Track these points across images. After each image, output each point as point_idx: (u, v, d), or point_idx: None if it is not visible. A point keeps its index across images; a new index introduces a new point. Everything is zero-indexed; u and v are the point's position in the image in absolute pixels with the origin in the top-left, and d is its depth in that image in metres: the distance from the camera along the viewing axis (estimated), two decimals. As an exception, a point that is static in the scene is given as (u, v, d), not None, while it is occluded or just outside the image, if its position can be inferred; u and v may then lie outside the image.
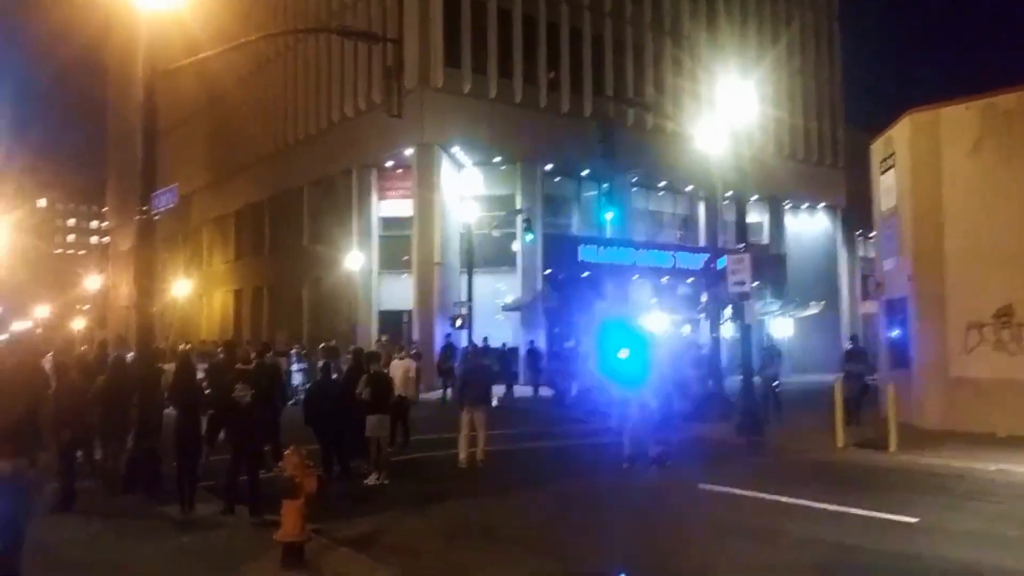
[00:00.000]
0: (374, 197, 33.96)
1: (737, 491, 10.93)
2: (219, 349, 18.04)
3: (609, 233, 34.91)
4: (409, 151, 31.42)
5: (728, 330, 25.38)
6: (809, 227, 44.93)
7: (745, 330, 17.32)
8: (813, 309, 36.97)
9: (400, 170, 33.17)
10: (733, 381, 19.24)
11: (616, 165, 28.19)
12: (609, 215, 33.97)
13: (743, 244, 17.73)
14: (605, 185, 34.87)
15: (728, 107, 18.17)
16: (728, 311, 20.70)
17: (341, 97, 35.00)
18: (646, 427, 12.70)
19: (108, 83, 64.16)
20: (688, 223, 40.19)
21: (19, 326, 60.59)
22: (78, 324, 47.61)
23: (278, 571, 7.47)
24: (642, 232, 37.22)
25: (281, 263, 40.47)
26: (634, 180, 35.97)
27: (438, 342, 28.37)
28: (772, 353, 19.81)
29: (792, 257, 41.68)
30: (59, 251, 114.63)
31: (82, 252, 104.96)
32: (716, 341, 21.44)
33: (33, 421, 6.38)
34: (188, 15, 13.47)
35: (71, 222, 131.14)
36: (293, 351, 24.76)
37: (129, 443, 10.95)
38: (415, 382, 17.28)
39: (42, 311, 60.36)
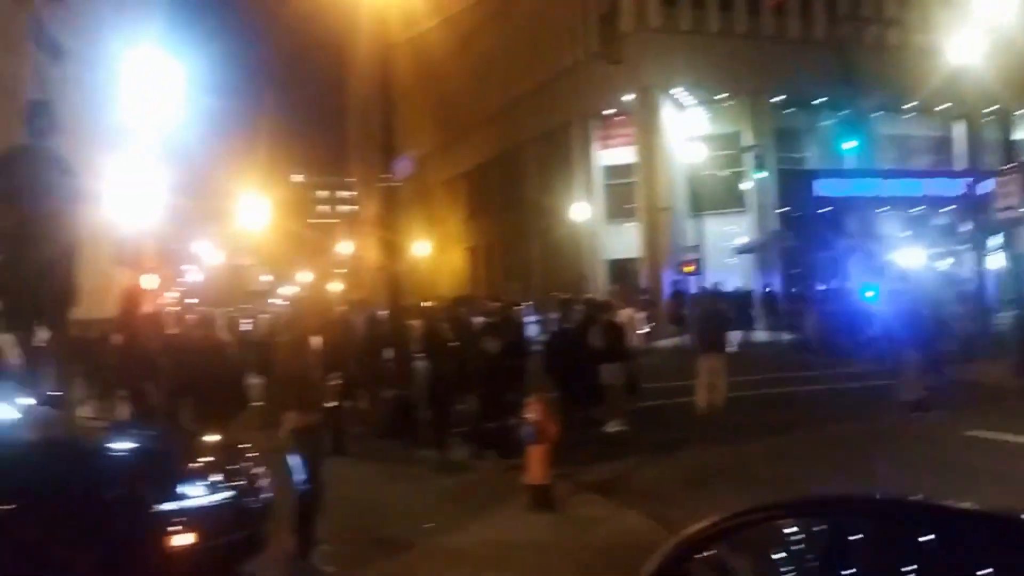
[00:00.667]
0: (596, 147, 33.90)
1: (1010, 437, 9.83)
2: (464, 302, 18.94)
3: (850, 164, 32.36)
4: (629, 97, 30.92)
5: (996, 261, 22.77)
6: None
7: (1017, 260, 15.44)
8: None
9: (621, 117, 32.79)
10: (1005, 317, 17.29)
11: (855, 89, 26.00)
12: (850, 144, 31.40)
13: (1012, 164, 15.72)
14: (843, 113, 32.23)
15: (986, 9, 16.04)
16: (996, 240, 18.55)
17: (558, 50, 35.06)
18: (909, 369, 11.70)
19: (342, 61, 68.80)
20: (941, 146, 36.29)
21: (285, 291, 67.67)
22: (335, 287, 52.20)
23: (526, 513, 7.78)
24: (888, 160, 34.14)
25: (510, 219, 41.68)
26: (877, 104, 32.89)
27: (668, 289, 28.03)
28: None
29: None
30: (314, 221, 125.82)
31: (335, 220, 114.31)
32: (982, 274, 19.34)
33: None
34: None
35: (322, 193, 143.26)
36: (526, 304, 25.49)
37: (387, 393, 11.87)
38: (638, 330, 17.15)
39: (303, 277, 66.93)
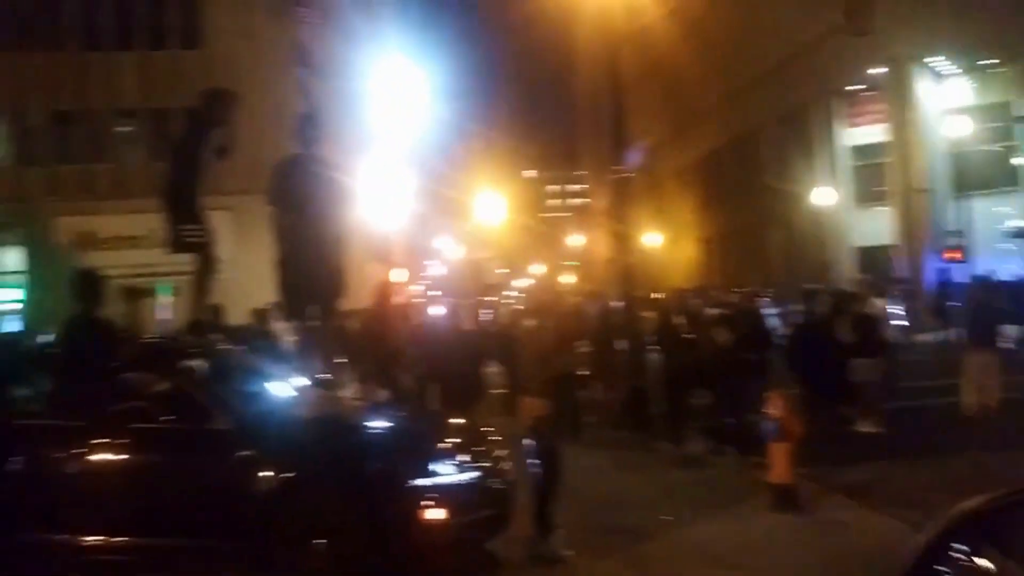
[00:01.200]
0: (842, 126, 31.73)
1: None
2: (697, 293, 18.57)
3: None
4: (879, 70, 28.56)
5: None
6: None
7: None
8: None
9: (869, 93, 30.41)
10: None
11: None
12: None
13: None
14: None
15: None
16: None
17: (794, 26, 33.11)
18: None
19: (570, 55, 69.73)
20: None
21: (521, 283, 70.04)
22: (567, 279, 53.29)
23: (770, 513, 7.47)
24: None
25: (746, 206, 40.15)
26: None
27: (929, 278, 25.66)
28: None
29: None
30: (546, 215, 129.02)
31: (565, 215, 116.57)
32: None
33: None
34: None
35: (552, 188, 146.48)
36: (766, 295, 24.47)
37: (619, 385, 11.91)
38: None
39: (536, 270, 68.90)
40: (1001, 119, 27.86)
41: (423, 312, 13.94)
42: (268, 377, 7.37)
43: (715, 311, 13.71)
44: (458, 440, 6.70)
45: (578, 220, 79.45)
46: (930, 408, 12.32)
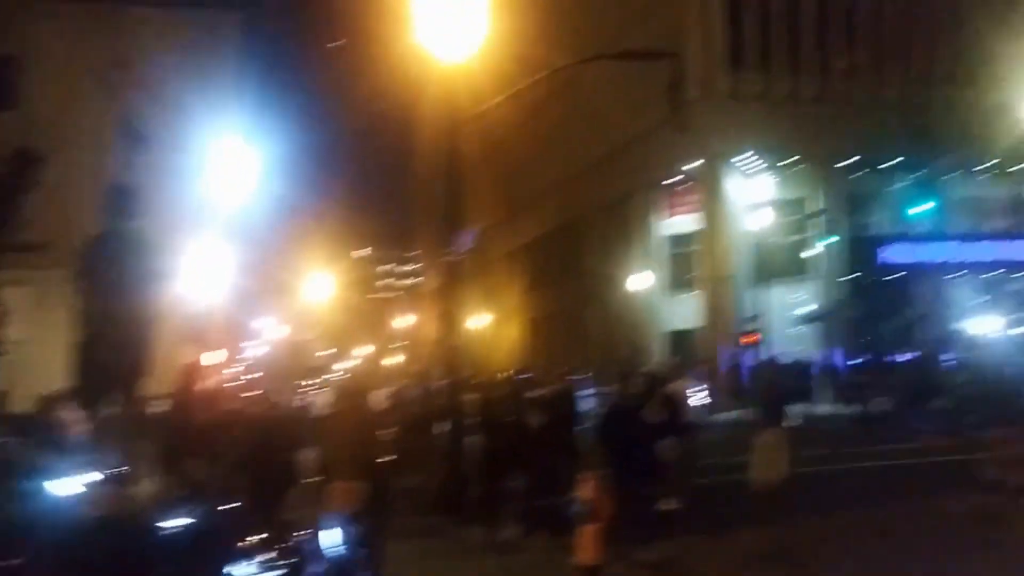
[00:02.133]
0: (660, 215, 33.95)
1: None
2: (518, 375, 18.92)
3: (920, 228, 31.62)
4: (694, 164, 30.98)
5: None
6: None
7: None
8: None
9: (686, 185, 32.82)
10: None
11: (927, 152, 25.56)
12: (921, 208, 30.69)
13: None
14: (914, 176, 31.61)
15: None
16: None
17: (622, 121, 35.50)
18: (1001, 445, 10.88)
19: (409, 137, 70.92)
20: (1019, 208, 35.19)
21: (344, 365, 68.61)
22: (394, 360, 52.83)
23: (578, 595, 7.59)
24: (961, 224, 33.25)
25: (570, 291, 41.75)
26: (949, 166, 32.19)
27: (729, 361, 27.51)
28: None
29: None
30: (375, 296, 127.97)
31: (395, 295, 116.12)
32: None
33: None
34: (474, 63, 14.50)
35: (384, 268, 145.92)
36: (583, 376, 25.31)
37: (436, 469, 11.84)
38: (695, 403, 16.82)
39: (361, 351, 67.95)
40: (797, 213, 30.82)
41: (236, 396, 13.36)
42: (49, 473, 6.79)
43: (534, 393, 14.05)
44: (262, 536, 6.43)
45: (408, 301, 79.47)
46: (727, 484, 13.08)
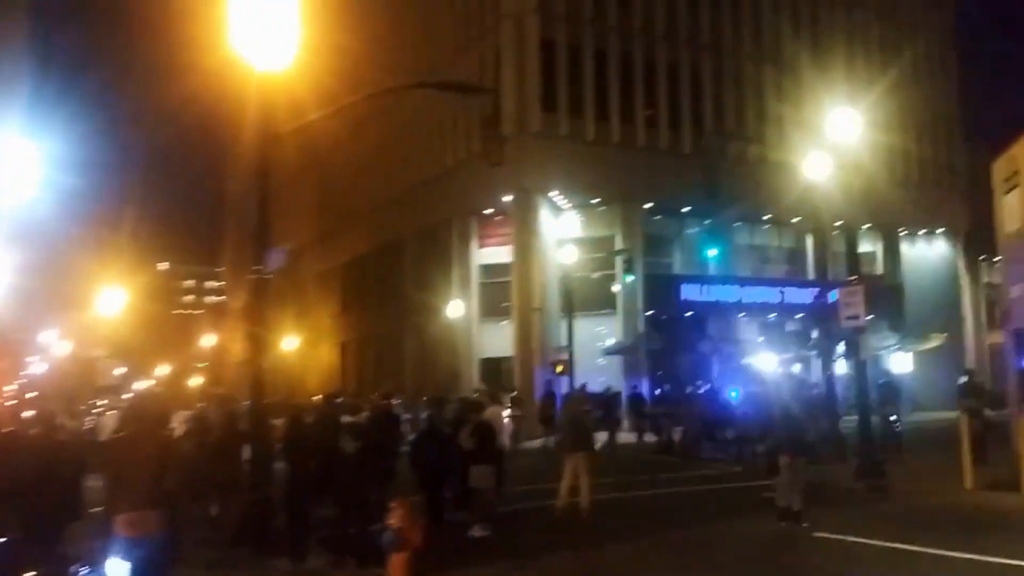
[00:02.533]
0: (474, 245, 34.40)
1: (855, 539, 10.30)
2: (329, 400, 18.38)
3: (712, 271, 34.20)
4: (508, 197, 31.77)
5: (842, 367, 24.26)
6: (927, 255, 42.73)
7: (860, 367, 16.45)
8: (934, 342, 35.00)
9: (499, 217, 33.56)
10: (849, 421, 18.29)
11: (718, 200, 27.60)
12: (712, 252, 33.31)
13: (855, 276, 16.96)
14: (707, 221, 34.27)
15: (835, 134, 17.57)
16: (841, 347, 19.78)
17: (441, 149, 35.85)
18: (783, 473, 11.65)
19: (223, 148, 67.94)
20: (795, 257, 38.93)
21: (140, 385, 64.05)
22: (196, 381, 49.86)
23: (385, 626, 7.42)
24: (747, 268, 36.29)
25: (385, 314, 41.36)
26: (737, 215, 35.16)
27: (539, 389, 28.23)
28: (890, 390, 18.78)
29: (910, 287, 39.64)
30: (178, 312, 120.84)
31: (199, 312, 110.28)
32: (830, 379, 20.50)
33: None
34: (293, 79, 14.05)
35: (189, 283, 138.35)
36: (397, 401, 25.08)
37: (241, 497, 11.21)
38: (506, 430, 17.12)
39: (162, 370, 63.70)
40: (604, 251, 32.31)
41: (11, 419, 12.01)
42: None
43: (346, 418, 13.68)
44: (35, 573, 5.79)
45: (213, 319, 75.53)
46: (536, 510, 13.38)
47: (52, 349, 42.96)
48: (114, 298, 29.59)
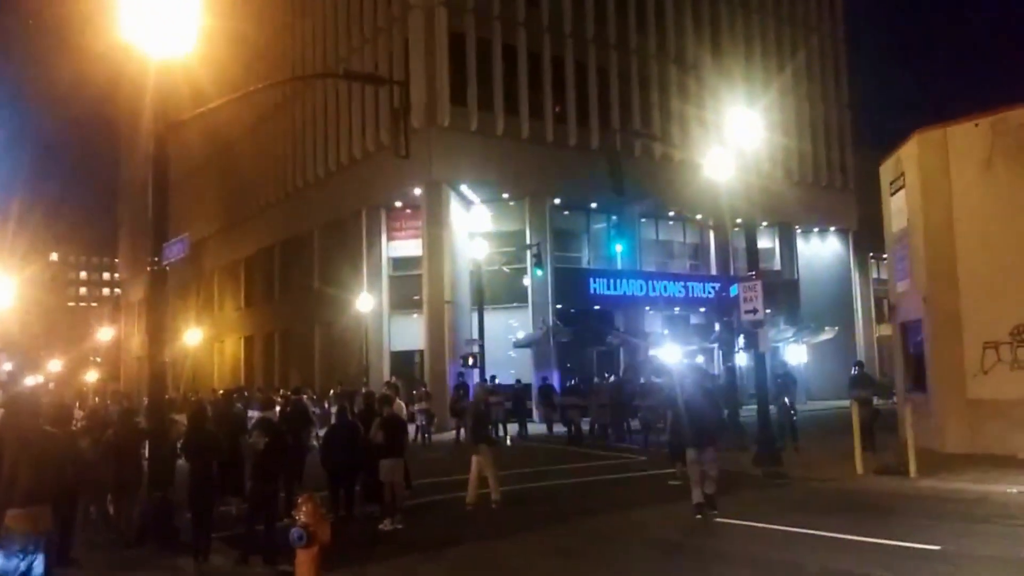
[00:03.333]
0: (384, 238, 34.09)
1: (755, 523, 10.75)
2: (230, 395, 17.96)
3: (620, 265, 34.90)
4: (418, 190, 31.60)
5: (742, 358, 25.17)
6: (821, 251, 44.77)
7: (759, 358, 17.14)
8: (828, 334, 36.70)
9: (409, 210, 33.35)
10: (748, 410, 19.02)
11: (625, 197, 28.06)
12: (619, 247, 34.00)
13: (754, 271, 17.62)
14: (614, 217, 34.97)
15: (735, 134, 18.21)
16: (742, 340, 20.53)
17: (349, 140, 35.34)
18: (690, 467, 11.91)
19: (119, 136, 65.10)
20: (699, 252, 40.10)
21: (31, 381, 60.88)
22: (91, 376, 47.73)
23: (293, 622, 7.33)
24: (653, 263, 37.16)
25: (292, 307, 40.58)
26: (643, 211, 36.02)
27: (451, 381, 28.25)
28: (787, 380, 19.60)
29: (805, 282, 41.47)
30: (72, 304, 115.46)
31: (94, 304, 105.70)
32: (730, 370, 21.25)
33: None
34: (195, 67, 13.64)
35: (83, 275, 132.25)
36: (304, 395, 24.69)
37: (141, 495, 10.87)
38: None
39: (55, 365, 60.70)
40: (514, 245, 32.53)
41: None
42: None
43: (252, 413, 13.45)
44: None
45: (111, 312, 72.40)
46: (446, 502, 13.43)
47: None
48: (1, 289, 28.04)
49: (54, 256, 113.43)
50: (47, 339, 67.61)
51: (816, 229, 44.45)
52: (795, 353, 36.98)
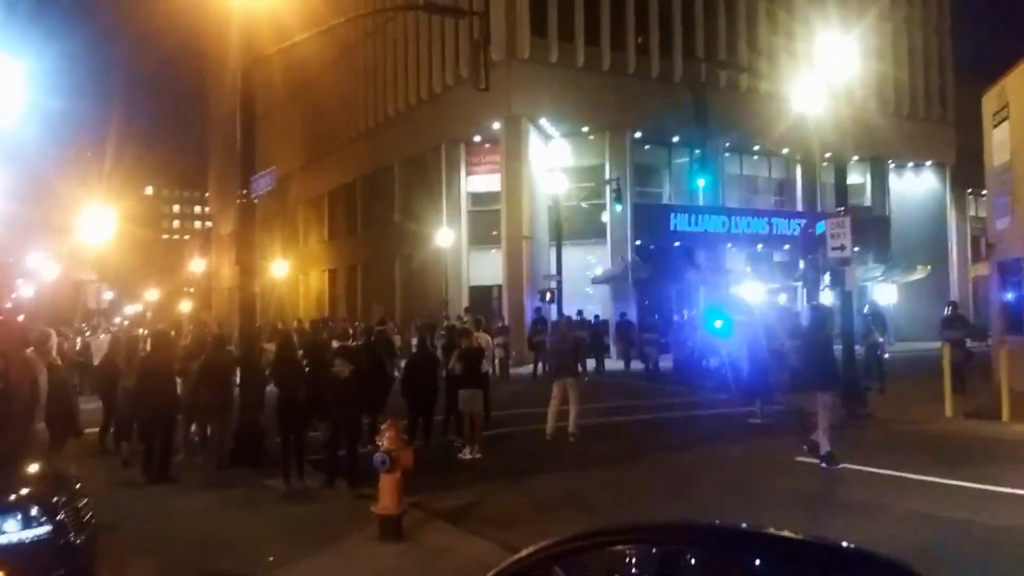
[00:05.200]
0: (463, 172, 34.12)
1: (839, 464, 10.56)
2: (317, 325, 18.54)
3: (701, 200, 34.14)
4: (496, 125, 31.38)
5: (828, 297, 24.44)
6: (915, 187, 42.77)
7: (846, 297, 16.63)
8: (919, 273, 35.32)
9: (488, 144, 33.21)
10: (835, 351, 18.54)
11: (708, 130, 27.33)
12: (701, 182, 33.15)
13: (843, 207, 16.99)
14: (697, 151, 34.03)
15: (826, 63, 17.36)
16: (827, 277, 19.93)
17: (429, 73, 35.20)
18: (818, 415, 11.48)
19: (207, 72, 66.36)
20: (784, 187, 38.87)
21: (131, 310, 63.92)
22: (185, 306, 49.83)
23: (376, 543, 7.63)
24: (736, 198, 36.24)
25: (373, 241, 41.24)
26: (727, 145, 34.97)
27: (529, 316, 28.42)
28: (875, 320, 19.01)
29: (897, 219, 39.78)
30: (166, 236, 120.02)
31: (187, 237, 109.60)
32: (826, 309, 20.67)
33: None
34: (278, 2, 13.71)
35: (175, 208, 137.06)
36: (389, 327, 25.20)
37: (233, 419, 11.39)
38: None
39: (151, 295, 63.57)
40: (593, 179, 32.14)
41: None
42: None
43: (337, 343, 13.82)
44: (30, 489, 5.89)
45: (202, 244, 75.08)
46: (524, 434, 13.65)
47: (40, 273, 42.65)
48: (101, 222, 29.30)
49: (149, 190, 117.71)
50: (144, 270, 70.65)
51: (911, 163, 42.41)
52: (884, 292, 35.73)
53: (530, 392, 17.67)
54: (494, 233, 31.81)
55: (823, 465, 10.46)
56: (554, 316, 25.57)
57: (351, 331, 17.60)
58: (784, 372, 14.75)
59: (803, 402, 11.35)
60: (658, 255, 32.39)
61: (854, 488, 9.45)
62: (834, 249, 15.89)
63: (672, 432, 14.03)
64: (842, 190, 17.84)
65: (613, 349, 27.71)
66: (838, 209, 17.19)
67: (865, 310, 20.33)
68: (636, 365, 24.72)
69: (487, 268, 32.76)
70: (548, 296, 27.41)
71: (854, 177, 35.92)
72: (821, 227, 17.89)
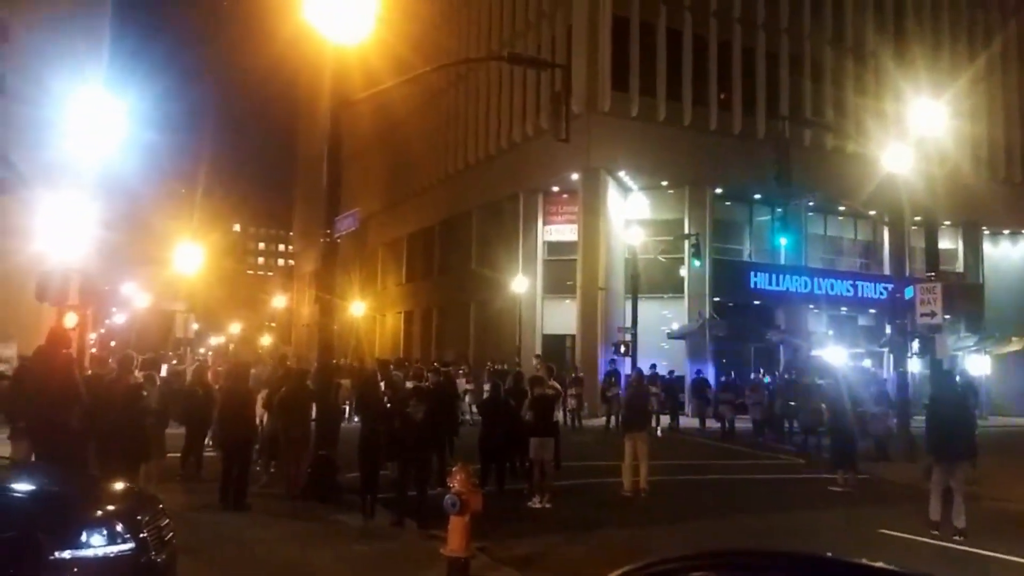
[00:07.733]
0: (540, 221, 34.33)
1: (920, 538, 10.05)
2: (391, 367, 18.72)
3: (783, 260, 33.49)
4: (575, 176, 31.58)
5: (915, 365, 23.55)
6: (1011, 254, 41.03)
7: (935, 364, 16.00)
8: (1015, 345, 33.69)
9: (566, 195, 33.40)
10: (920, 420, 17.78)
11: (791, 188, 26.78)
12: (783, 241, 32.56)
13: (933, 272, 16.45)
14: (779, 209, 33.44)
15: (918, 125, 17.01)
16: (916, 344, 19.22)
17: (510, 123, 35.80)
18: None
19: (297, 114, 69.01)
20: (870, 250, 37.84)
21: (215, 341, 65.91)
22: (266, 340, 51.19)
23: (443, 585, 7.57)
24: (819, 259, 35.44)
25: (449, 285, 41.70)
26: (811, 204, 34.32)
27: (602, 368, 28.15)
28: (966, 390, 18.21)
29: (991, 287, 38.18)
30: (250, 272, 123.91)
31: (270, 273, 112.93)
32: (903, 376, 19.94)
33: None
34: (368, 50, 14.25)
35: (261, 245, 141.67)
36: (460, 371, 25.32)
37: (308, 452, 11.54)
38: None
39: (234, 327, 65.59)
40: (671, 233, 31.93)
41: (95, 363, 12.54)
42: None
43: (412, 383, 13.94)
44: (115, 507, 6.06)
45: (284, 280, 77.29)
46: (593, 486, 13.43)
47: (133, 301, 44.49)
48: (192, 255, 30.52)
49: (236, 227, 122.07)
50: (228, 303, 73.06)
51: (1006, 230, 40.82)
52: (977, 363, 34.17)
53: (602, 444, 17.44)
54: (569, 283, 31.79)
55: (956, 538, 9.98)
56: (628, 369, 25.28)
57: (425, 373, 17.76)
58: (868, 439, 14.23)
59: (943, 471, 10.71)
60: (736, 313, 31.81)
61: (934, 565, 8.95)
62: (924, 315, 15.38)
63: (749, 494, 13.61)
64: (933, 254, 17.32)
65: (687, 406, 27.16)
66: (929, 274, 16.67)
67: (957, 379, 19.50)
68: (711, 423, 24.14)
69: (561, 318, 32.68)
70: (622, 349, 27.14)
71: (946, 242, 34.77)
72: (910, 292, 17.34)
